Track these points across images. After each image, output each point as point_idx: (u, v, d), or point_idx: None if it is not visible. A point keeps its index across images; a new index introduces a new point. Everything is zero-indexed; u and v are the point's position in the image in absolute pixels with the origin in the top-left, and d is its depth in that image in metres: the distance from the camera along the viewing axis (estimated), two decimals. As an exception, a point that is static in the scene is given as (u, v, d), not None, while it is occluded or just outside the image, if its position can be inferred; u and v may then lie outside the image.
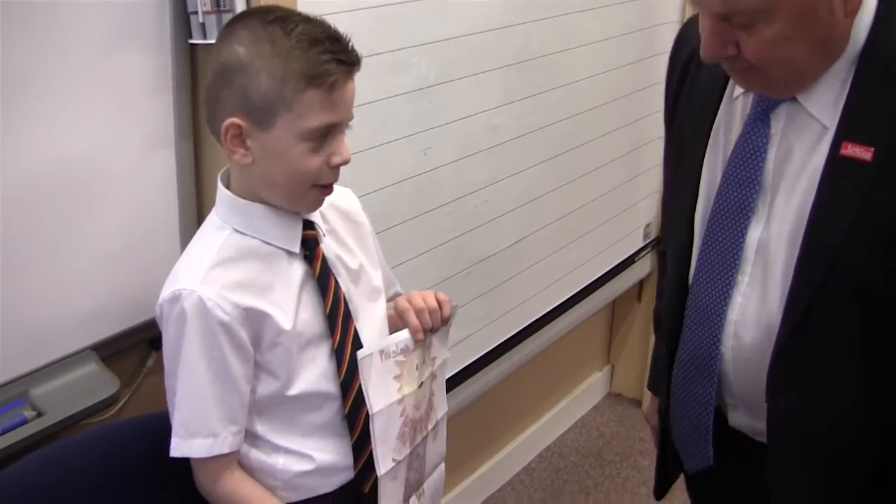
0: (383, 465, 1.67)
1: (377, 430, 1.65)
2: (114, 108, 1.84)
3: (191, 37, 1.91)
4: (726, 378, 1.69)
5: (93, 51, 1.77)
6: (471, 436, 3.24)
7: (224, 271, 1.55)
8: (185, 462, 1.63)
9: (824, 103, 1.50)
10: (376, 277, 1.79)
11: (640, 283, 3.92)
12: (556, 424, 3.88)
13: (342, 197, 1.77)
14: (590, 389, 4.09)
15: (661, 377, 1.86)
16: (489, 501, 3.48)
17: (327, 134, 1.53)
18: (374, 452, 1.65)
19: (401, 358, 1.68)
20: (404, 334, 1.70)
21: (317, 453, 1.67)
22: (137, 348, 2.06)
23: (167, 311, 1.55)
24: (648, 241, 3.73)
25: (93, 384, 1.88)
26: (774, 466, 1.65)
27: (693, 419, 1.75)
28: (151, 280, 1.96)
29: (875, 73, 1.46)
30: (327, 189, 1.60)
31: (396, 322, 1.77)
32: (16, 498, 1.60)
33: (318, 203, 1.63)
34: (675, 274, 1.76)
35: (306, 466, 1.67)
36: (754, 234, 1.60)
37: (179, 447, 1.58)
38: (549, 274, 3.12)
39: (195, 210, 2.05)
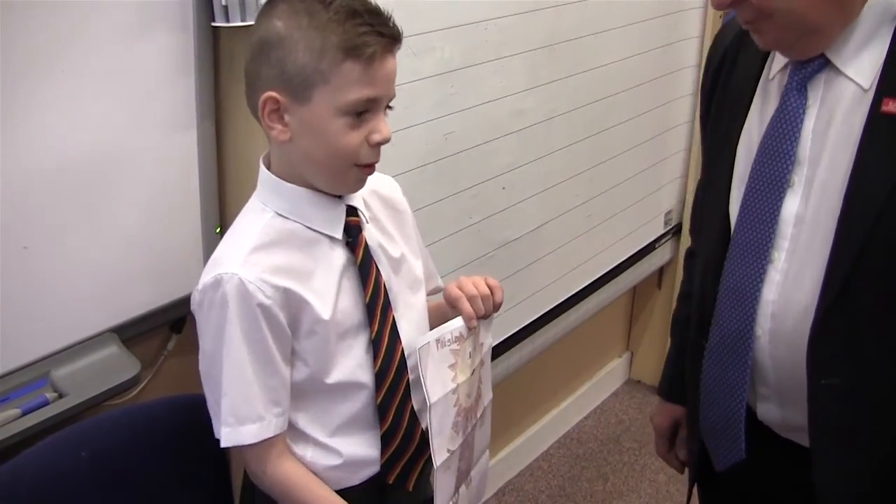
0: (439, 457, 1.65)
1: (434, 421, 1.63)
2: (136, 90, 1.84)
3: (213, 19, 1.90)
4: (761, 365, 1.64)
5: (116, 33, 1.77)
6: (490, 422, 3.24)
7: (265, 255, 1.53)
8: (206, 444, 1.62)
9: (863, 66, 1.47)
10: (417, 267, 1.77)
11: (661, 270, 3.91)
12: (575, 411, 3.88)
13: (384, 184, 1.76)
14: (609, 376, 4.09)
15: (688, 374, 1.83)
16: (507, 487, 3.48)
17: (366, 110, 1.50)
18: (430, 444, 1.64)
19: (455, 346, 1.66)
20: (458, 322, 1.67)
21: (345, 448, 1.66)
22: (158, 331, 2.07)
23: (209, 296, 1.52)
24: (669, 227, 3.72)
25: (114, 366, 1.89)
26: (817, 453, 1.60)
27: (724, 409, 1.71)
28: (173, 263, 1.97)
29: None
30: (369, 168, 1.57)
31: (444, 311, 1.75)
32: (37, 478, 1.61)
33: (361, 183, 1.60)
34: (711, 260, 1.71)
35: (334, 461, 1.66)
36: (790, 208, 1.56)
37: (230, 437, 1.56)
38: (570, 259, 3.11)
39: (216, 192, 2.06)
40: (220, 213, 2.07)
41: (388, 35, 1.49)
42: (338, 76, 1.46)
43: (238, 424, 1.55)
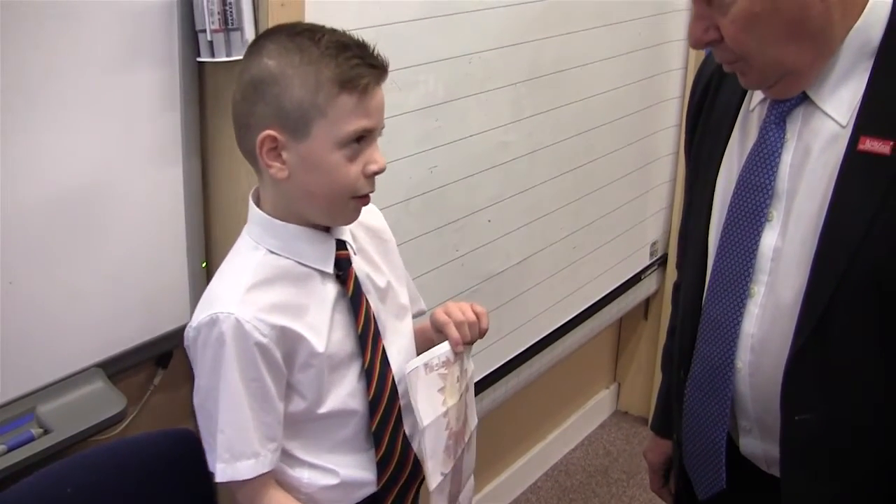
0: (433, 480, 1.67)
1: (427, 444, 1.65)
2: (121, 126, 1.84)
3: (199, 55, 1.91)
4: (741, 397, 1.65)
5: (101, 68, 1.78)
6: (477, 454, 3.23)
7: (260, 293, 1.55)
8: (192, 479, 1.62)
9: (841, 102, 1.48)
10: (403, 295, 1.79)
11: (647, 301, 3.91)
12: (563, 442, 3.87)
13: (369, 214, 1.78)
14: (596, 407, 4.09)
15: (674, 406, 1.82)
16: (495, 520, 3.48)
17: (362, 140, 1.54)
18: (424, 468, 1.66)
19: (443, 370, 1.68)
20: (445, 347, 1.69)
21: (341, 468, 1.67)
22: (144, 366, 2.06)
23: (204, 334, 1.53)
24: (655, 258, 3.73)
25: (100, 401, 1.88)
26: (788, 489, 1.60)
27: (705, 439, 1.71)
28: (158, 297, 1.97)
29: (894, 66, 1.44)
30: (365, 199, 1.60)
31: (429, 335, 1.78)
32: (22, 515, 1.60)
33: (356, 214, 1.62)
34: (691, 291, 1.73)
35: (331, 481, 1.67)
36: (769, 241, 1.56)
37: (225, 472, 1.56)
38: (556, 291, 3.11)
39: (202, 227, 2.06)
40: (205, 248, 2.07)
41: (378, 66, 1.54)
42: (334, 109, 1.49)
43: (234, 461, 1.56)
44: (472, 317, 1.72)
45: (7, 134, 1.66)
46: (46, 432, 1.80)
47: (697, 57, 3.47)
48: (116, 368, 1.95)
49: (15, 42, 1.64)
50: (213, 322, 1.52)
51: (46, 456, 1.77)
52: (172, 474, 1.77)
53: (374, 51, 1.55)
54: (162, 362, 2.08)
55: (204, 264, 2.06)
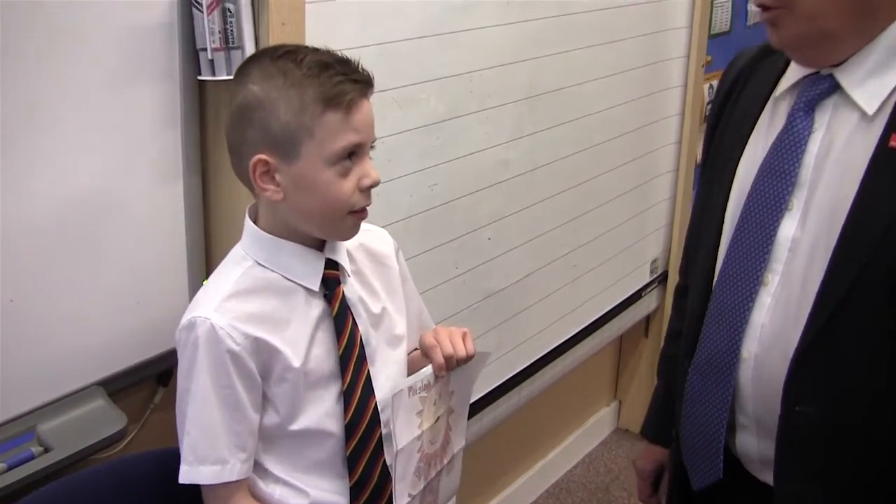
0: (400, 501, 1.66)
1: (399, 467, 1.64)
2: (122, 144, 1.84)
3: (200, 73, 1.92)
4: (742, 389, 1.63)
5: (102, 86, 1.78)
6: (477, 472, 3.23)
7: (239, 302, 1.57)
8: (191, 498, 1.62)
9: (872, 92, 1.48)
10: (399, 324, 1.78)
11: (647, 319, 3.91)
12: (564, 460, 3.86)
13: (376, 238, 1.79)
14: (597, 425, 4.08)
15: (676, 393, 1.81)
16: (496, 538, 3.46)
17: (353, 156, 1.54)
18: (393, 489, 1.65)
19: (423, 394, 1.67)
20: (428, 370, 1.68)
21: (313, 490, 1.66)
22: (144, 384, 2.06)
23: (184, 337, 1.56)
24: (655, 276, 3.73)
25: (100, 420, 1.88)
26: (781, 489, 1.59)
27: (704, 428, 1.70)
28: (159, 316, 1.97)
29: None
30: (362, 213, 1.60)
31: (421, 360, 1.76)
32: (22, 534, 1.60)
33: (356, 229, 1.63)
34: (702, 278, 1.71)
35: (301, 501, 1.66)
36: (787, 230, 1.56)
37: (188, 474, 1.58)
38: (556, 309, 3.11)
39: (203, 245, 2.06)
40: (206, 265, 2.07)
41: (361, 81, 1.54)
42: (321, 128, 1.50)
43: (197, 463, 1.58)
44: (461, 349, 1.69)
45: (8, 150, 1.66)
46: (47, 451, 1.80)
47: (698, 75, 3.48)
48: (117, 386, 1.95)
49: (17, 59, 1.64)
50: (191, 326, 1.55)
51: (47, 475, 1.76)
52: (173, 493, 1.76)
53: (357, 66, 1.56)
54: (162, 380, 2.08)
55: (205, 281, 2.06)
